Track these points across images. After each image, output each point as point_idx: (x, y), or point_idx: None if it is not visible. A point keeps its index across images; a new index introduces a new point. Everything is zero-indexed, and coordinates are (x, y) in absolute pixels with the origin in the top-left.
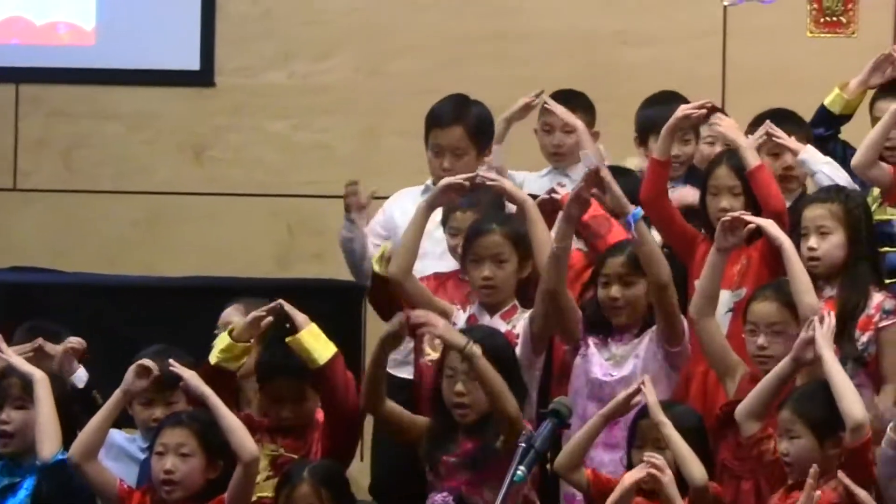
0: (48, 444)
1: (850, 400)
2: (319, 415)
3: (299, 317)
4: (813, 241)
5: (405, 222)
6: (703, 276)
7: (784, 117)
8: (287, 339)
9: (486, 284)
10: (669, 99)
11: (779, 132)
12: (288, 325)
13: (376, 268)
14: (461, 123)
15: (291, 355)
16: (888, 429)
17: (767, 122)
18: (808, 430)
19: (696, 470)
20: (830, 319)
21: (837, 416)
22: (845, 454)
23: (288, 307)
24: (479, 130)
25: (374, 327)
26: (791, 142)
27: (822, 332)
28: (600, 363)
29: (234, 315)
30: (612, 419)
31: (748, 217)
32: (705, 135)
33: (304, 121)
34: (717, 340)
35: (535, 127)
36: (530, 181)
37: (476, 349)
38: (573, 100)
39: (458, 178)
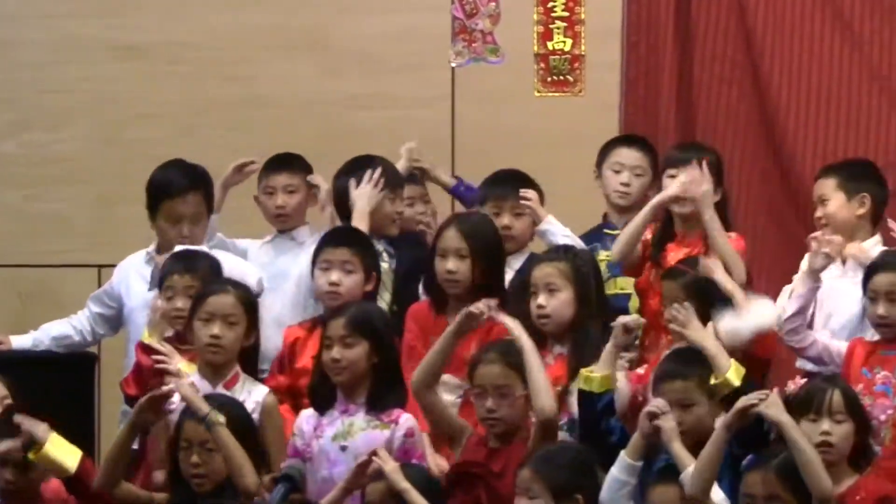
0: None
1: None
2: (49, 490)
3: (39, 429)
4: (542, 299)
5: (129, 291)
6: (434, 351)
7: (508, 177)
8: (31, 457)
9: (213, 343)
10: (365, 164)
11: (531, 195)
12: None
13: (151, 338)
14: (198, 189)
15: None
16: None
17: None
18: (547, 491)
19: None
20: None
21: (577, 479)
22: None
23: (26, 422)
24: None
25: (108, 396)
26: (539, 208)
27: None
28: (332, 435)
29: None
30: (351, 491)
31: (502, 318)
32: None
33: (39, 191)
34: (438, 409)
35: (254, 194)
36: (254, 249)
37: (220, 418)
38: (293, 163)
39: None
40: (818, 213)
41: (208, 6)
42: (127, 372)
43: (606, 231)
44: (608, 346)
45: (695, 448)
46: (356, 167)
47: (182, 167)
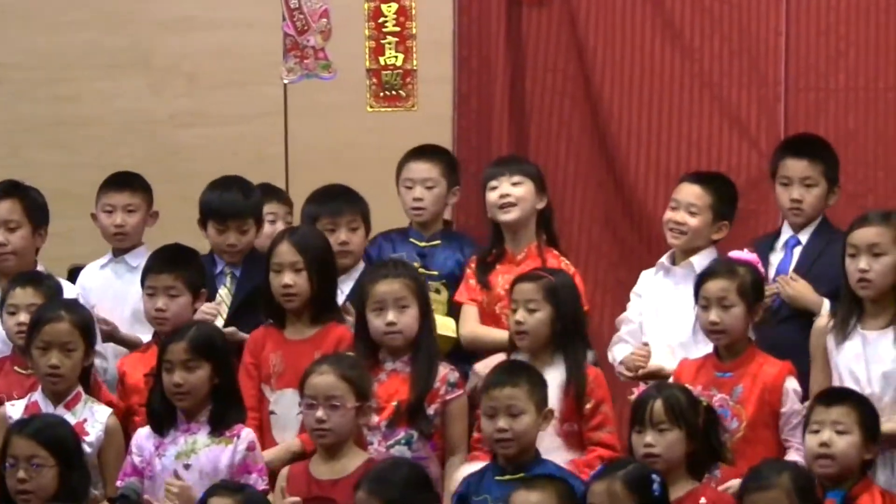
0: None
1: None
2: None
3: None
4: (392, 316)
5: None
6: None
7: (339, 193)
8: None
9: (53, 373)
10: (231, 183)
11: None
12: None
13: None
14: (8, 197)
15: None
16: None
17: None
18: None
19: None
20: None
21: (412, 495)
22: None
23: None
24: (35, 206)
25: None
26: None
27: None
28: (175, 454)
29: None
30: None
31: None
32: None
33: None
34: None
35: (92, 212)
36: (90, 272)
37: None
38: (134, 182)
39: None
40: (679, 219)
41: (28, 27)
42: None
43: (413, 241)
44: None
45: (519, 456)
46: (221, 185)
47: (2, 182)
